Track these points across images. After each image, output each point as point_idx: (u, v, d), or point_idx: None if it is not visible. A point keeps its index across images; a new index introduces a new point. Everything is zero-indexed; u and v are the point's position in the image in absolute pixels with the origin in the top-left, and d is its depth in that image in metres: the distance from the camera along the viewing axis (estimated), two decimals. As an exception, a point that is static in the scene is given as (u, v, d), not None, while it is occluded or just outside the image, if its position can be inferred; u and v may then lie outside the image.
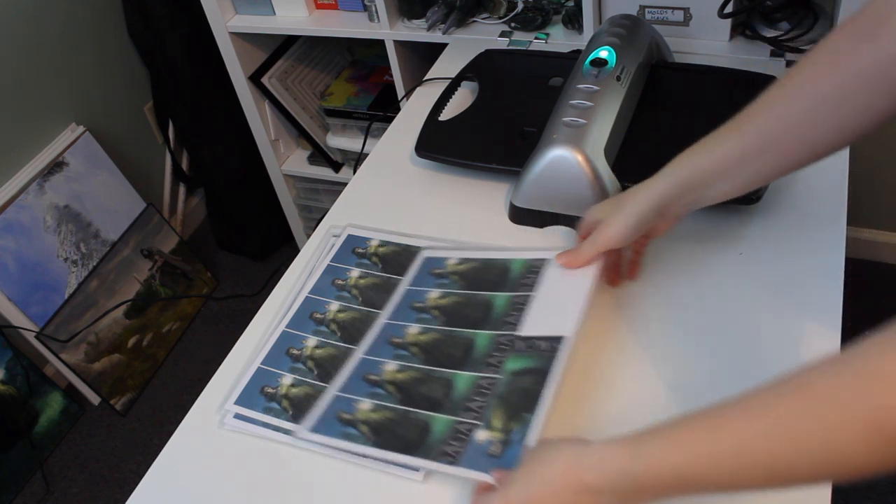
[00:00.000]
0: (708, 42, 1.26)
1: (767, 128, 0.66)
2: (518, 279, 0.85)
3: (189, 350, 2.04)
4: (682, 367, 0.79)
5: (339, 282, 0.96)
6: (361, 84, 1.77)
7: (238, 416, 0.83)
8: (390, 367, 0.82)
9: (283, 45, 1.79)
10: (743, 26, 1.27)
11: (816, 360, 0.46)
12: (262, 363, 0.88)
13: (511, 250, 0.89)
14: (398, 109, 1.34)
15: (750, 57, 1.22)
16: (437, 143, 1.10)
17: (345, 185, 1.13)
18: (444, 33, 1.43)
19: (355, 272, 0.97)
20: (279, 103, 1.77)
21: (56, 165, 1.80)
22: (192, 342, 2.06)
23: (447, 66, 1.35)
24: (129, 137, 2.07)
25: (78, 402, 1.89)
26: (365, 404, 0.78)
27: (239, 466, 0.79)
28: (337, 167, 1.86)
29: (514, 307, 0.82)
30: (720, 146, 0.70)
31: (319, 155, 1.86)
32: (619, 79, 1.00)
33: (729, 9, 1.18)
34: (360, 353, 0.85)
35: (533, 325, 0.78)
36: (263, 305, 0.95)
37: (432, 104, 1.16)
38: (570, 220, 0.96)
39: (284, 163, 1.93)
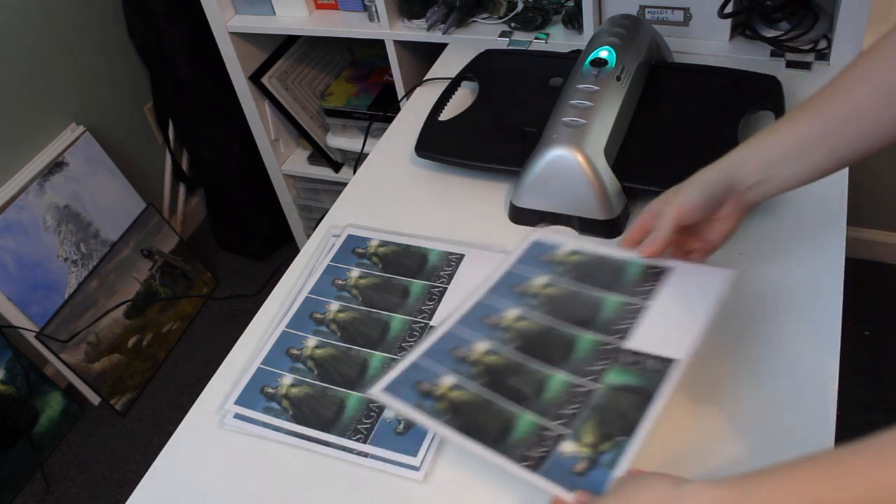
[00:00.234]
0: (708, 42, 1.26)
1: (832, 113, 0.66)
2: (633, 284, 0.77)
3: (189, 350, 2.04)
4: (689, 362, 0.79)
5: (339, 282, 0.96)
6: (361, 84, 1.77)
7: (238, 416, 0.83)
8: (481, 347, 0.76)
9: (283, 45, 1.79)
10: (743, 26, 1.27)
11: None
12: (262, 363, 0.88)
13: (626, 252, 0.81)
14: (398, 109, 1.34)
15: (750, 57, 1.22)
16: (437, 143, 1.10)
17: (345, 185, 1.13)
18: (444, 33, 1.43)
19: (355, 272, 0.97)
20: (279, 103, 1.77)
21: (56, 165, 1.80)
22: (192, 342, 2.06)
23: (447, 66, 1.35)
24: (129, 137, 2.07)
25: (78, 402, 1.89)
26: (448, 379, 0.74)
27: (239, 466, 0.79)
28: (337, 167, 1.86)
29: (625, 314, 0.75)
30: (792, 124, 0.69)
31: (319, 155, 1.86)
32: (619, 79, 1.00)
33: (729, 9, 1.18)
34: (447, 325, 0.80)
35: (643, 339, 0.72)
36: (263, 305, 0.95)
37: (432, 104, 1.16)
38: (569, 220, 0.96)
39: (284, 163, 1.93)
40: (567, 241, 0.86)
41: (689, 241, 0.78)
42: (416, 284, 0.94)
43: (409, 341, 0.87)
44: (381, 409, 0.81)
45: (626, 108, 1.00)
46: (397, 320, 0.90)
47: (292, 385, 0.85)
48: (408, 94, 1.33)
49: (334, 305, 0.93)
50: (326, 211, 1.08)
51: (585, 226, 0.95)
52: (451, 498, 0.73)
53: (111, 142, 1.96)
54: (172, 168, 2.21)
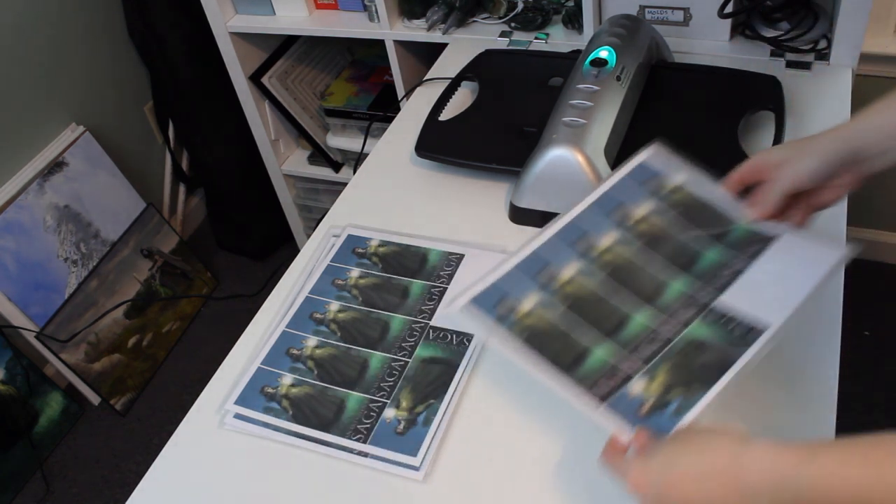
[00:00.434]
0: (708, 42, 1.26)
1: None
2: (739, 241, 0.74)
3: (189, 350, 2.04)
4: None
5: (339, 282, 0.96)
6: (361, 84, 1.77)
7: (238, 416, 0.83)
8: (569, 271, 0.74)
9: (283, 45, 1.79)
10: (743, 26, 1.27)
11: None
12: (262, 363, 0.88)
13: (733, 205, 0.76)
14: (398, 109, 1.34)
15: (750, 57, 1.22)
16: (437, 143, 1.10)
17: (345, 185, 1.13)
18: (444, 33, 1.43)
19: (355, 272, 0.97)
20: (279, 103, 1.77)
21: (56, 165, 1.80)
22: (192, 342, 2.06)
23: (447, 66, 1.35)
24: (129, 137, 2.07)
25: (78, 402, 1.89)
26: (528, 303, 0.71)
27: (239, 466, 0.79)
28: (337, 167, 1.86)
29: (724, 269, 0.72)
30: None
31: (319, 155, 1.86)
32: (619, 79, 1.00)
33: (729, 9, 1.18)
34: (536, 244, 0.76)
35: (738, 298, 0.69)
36: (263, 305, 0.95)
37: (432, 104, 1.16)
38: (570, 220, 0.96)
39: (284, 163, 1.93)
40: (676, 170, 0.80)
41: (796, 201, 0.74)
42: (416, 284, 0.94)
43: (409, 341, 0.87)
44: (380, 408, 0.81)
45: (626, 108, 1.00)
46: (397, 320, 0.90)
47: (292, 385, 0.85)
48: (408, 94, 1.33)
49: (334, 305, 0.93)
50: (326, 211, 1.08)
51: (585, 226, 0.95)
52: (451, 498, 0.73)
53: (111, 142, 1.96)
54: (172, 168, 2.21)
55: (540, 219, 0.98)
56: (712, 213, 0.77)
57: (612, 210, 0.78)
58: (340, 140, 1.79)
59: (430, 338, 0.87)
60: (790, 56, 1.20)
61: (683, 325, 0.68)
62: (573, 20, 1.36)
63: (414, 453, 0.76)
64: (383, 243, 1.00)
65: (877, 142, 0.67)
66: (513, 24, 1.41)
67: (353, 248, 1.00)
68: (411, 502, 0.73)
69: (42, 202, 1.77)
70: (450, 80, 1.22)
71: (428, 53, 1.47)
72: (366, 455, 0.77)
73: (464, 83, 1.23)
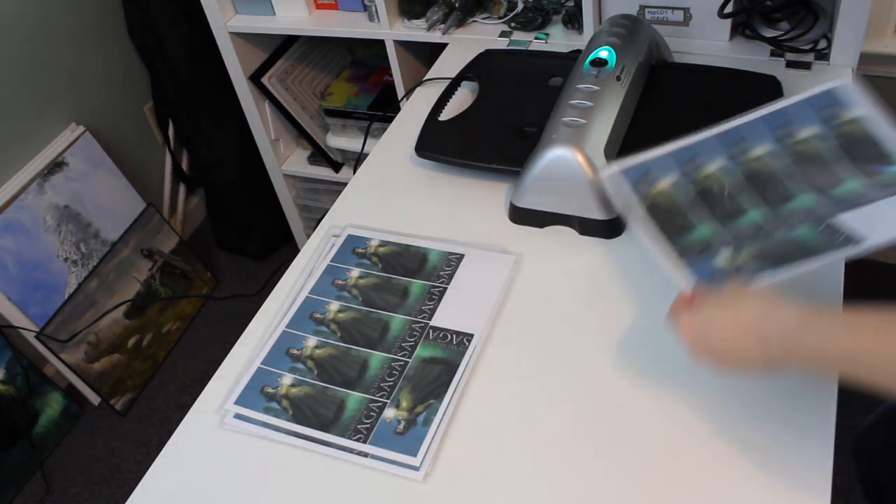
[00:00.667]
0: (708, 42, 1.26)
1: None
2: (888, 182, 0.75)
3: (189, 350, 2.04)
4: (680, 365, 0.79)
5: (339, 282, 0.96)
6: (361, 84, 1.77)
7: (238, 416, 0.83)
8: (713, 166, 0.79)
9: (283, 45, 1.79)
10: (743, 26, 1.27)
11: None
12: (262, 363, 0.88)
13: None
14: (398, 109, 1.34)
15: (750, 57, 1.22)
16: (437, 143, 1.10)
17: (345, 185, 1.13)
18: (444, 33, 1.43)
19: (355, 272, 0.97)
20: (279, 103, 1.77)
21: (56, 165, 1.80)
22: (192, 342, 2.06)
23: (447, 66, 1.35)
24: (129, 137, 2.07)
25: (78, 402, 1.89)
26: (666, 182, 0.78)
27: (239, 466, 0.79)
28: (337, 167, 1.86)
29: (859, 198, 0.74)
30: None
31: (319, 155, 1.86)
32: (619, 79, 1.00)
33: (729, 9, 1.18)
34: (691, 140, 0.81)
35: (856, 218, 0.73)
36: (263, 305, 0.95)
37: (432, 104, 1.16)
38: (569, 220, 0.96)
39: (284, 163, 1.93)
40: (861, 104, 0.79)
41: None
42: (416, 284, 0.94)
43: (409, 341, 0.87)
44: (380, 408, 0.81)
45: (626, 108, 1.00)
46: (397, 320, 0.90)
47: (292, 385, 0.85)
48: (408, 94, 1.33)
49: (334, 305, 0.93)
50: (326, 211, 1.08)
51: (586, 226, 0.95)
52: (451, 498, 0.73)
53: (111, 142, 1.96)
54: (172, 168, 2.21)
55: (540, 219, 0.98)
56: (878, 149, 0.77)
57: (777, 126, 0.81)
58: (340, 140, 1.79)
59: (430, 338, 0.87)
60: (790, 56, 1.20)
61: (790, 229, 0.73)
62: (573, 20, 1.36)
63: (414, 453, 0.76)
64: (383, 243, 1.00)
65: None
66: (513, 24, 1.41)
67: (353, 248, 1.00)
68: (411, 502, 0.73)
69: (42, 202, 1.77)
70: (450, 80, 1.22)
71: (428, 53, 1.47)
72: (366, 455, 0.77)
73: (464, 83, 1.23)
